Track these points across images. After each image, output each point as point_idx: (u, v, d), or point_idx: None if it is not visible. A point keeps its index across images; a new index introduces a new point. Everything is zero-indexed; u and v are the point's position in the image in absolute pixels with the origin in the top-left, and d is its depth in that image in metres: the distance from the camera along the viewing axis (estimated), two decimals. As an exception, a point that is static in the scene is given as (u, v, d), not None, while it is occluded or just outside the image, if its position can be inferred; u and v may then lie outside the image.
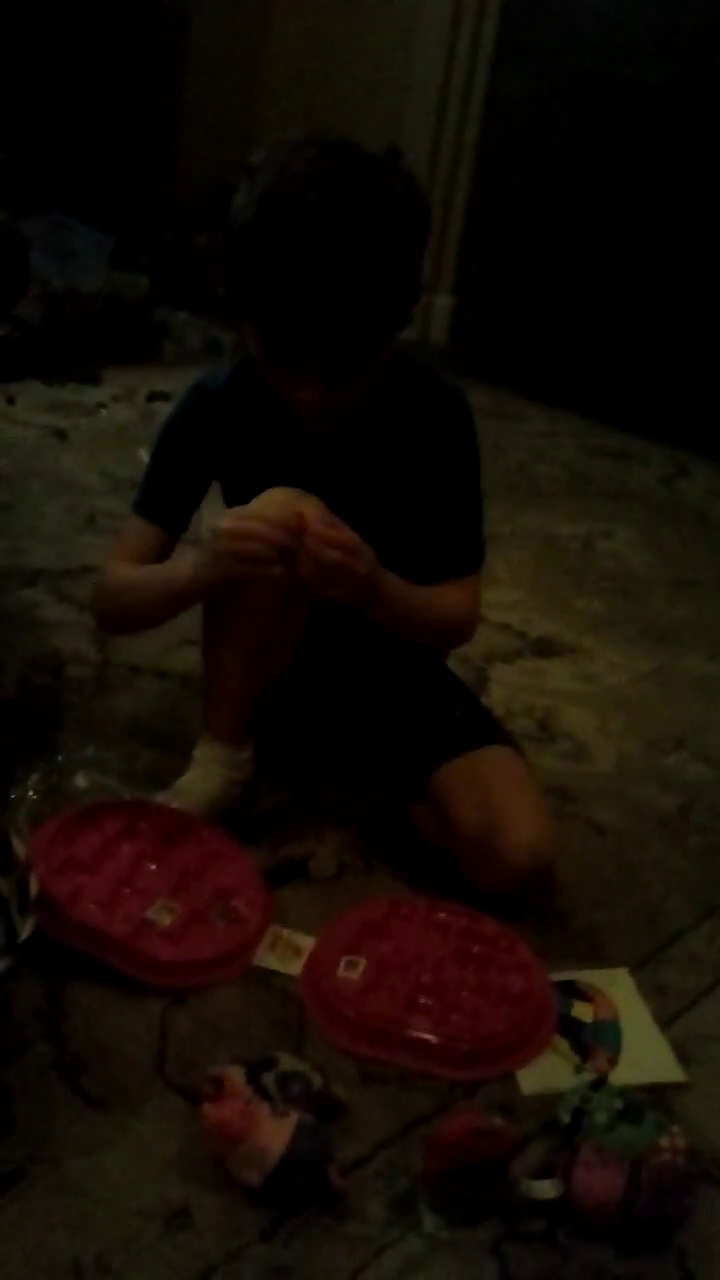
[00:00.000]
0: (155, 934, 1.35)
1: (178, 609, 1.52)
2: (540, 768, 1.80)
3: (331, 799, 1.68)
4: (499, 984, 1.35)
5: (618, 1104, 1.14)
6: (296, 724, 1.70)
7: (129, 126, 4.00)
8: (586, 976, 1.42)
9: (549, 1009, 1.36)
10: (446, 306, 4.08)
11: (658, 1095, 1.25)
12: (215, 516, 1.41)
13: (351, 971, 1.34)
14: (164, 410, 3.03)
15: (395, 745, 1.62)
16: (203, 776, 1.56)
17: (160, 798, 1.56)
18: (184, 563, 1.47)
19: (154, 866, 1.44)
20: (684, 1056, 1.33)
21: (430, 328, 4.07)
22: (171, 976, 1.32)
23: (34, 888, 1.22)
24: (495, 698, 2.02)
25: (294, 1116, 1.10)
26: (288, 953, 1.39)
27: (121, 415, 3.11)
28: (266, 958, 1.38)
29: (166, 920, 1.37)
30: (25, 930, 1.19)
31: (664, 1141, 1.11)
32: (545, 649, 2.25)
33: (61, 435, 2.91)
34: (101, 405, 3.14)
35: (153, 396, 3.20)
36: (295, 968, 1.37)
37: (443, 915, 1.44)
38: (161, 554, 1.54)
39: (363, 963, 1.35)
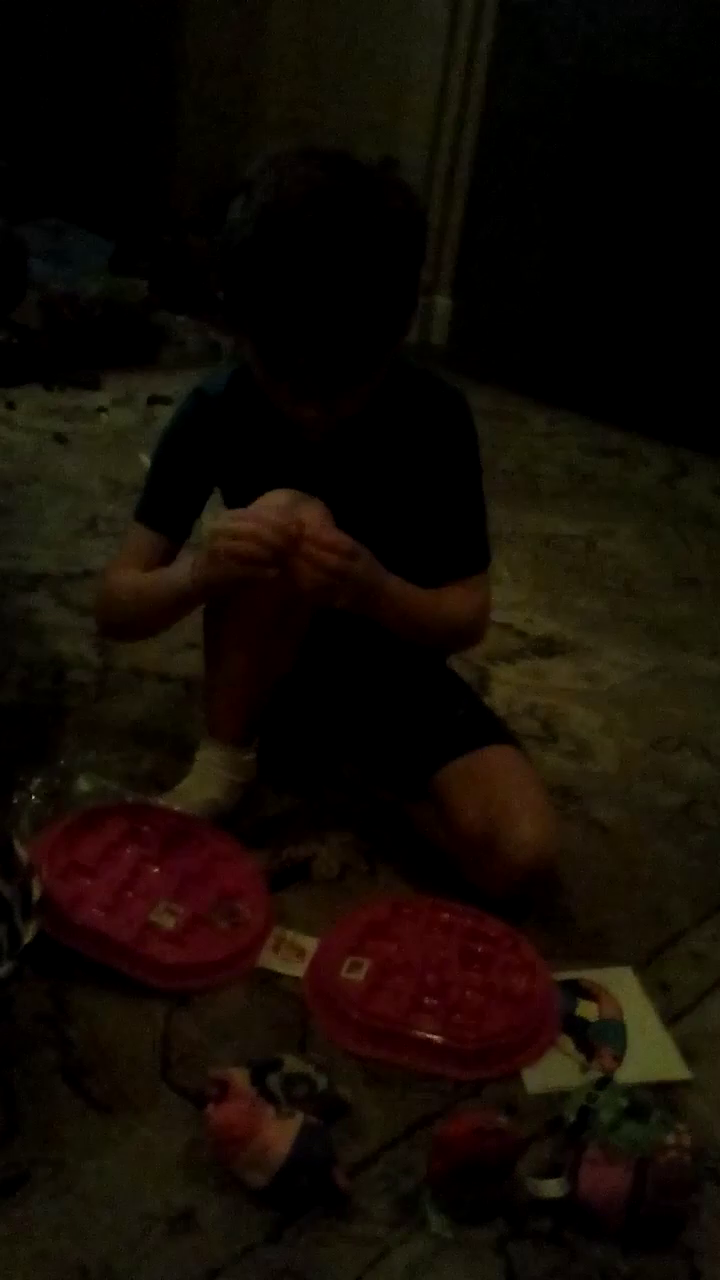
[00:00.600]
0: (158, 937, 1.35)
1: (179, 612, 1.52)
2: (543, 767, 1.80)
3: (334, 800, 1.68)
4: (503, 984, 1.35)
5: (623, 1102, 1.14)
6: (299, 726, 1.70)
7: (127, 132, 4.01)
8: (591, 975, 1.42)
9: (553, 1008, 1.35)
10: (446, 307, 4.08)
11: (663, 1093, 1.25)
12: (214, 518, 1.41)
13: (355, 973, 1.34)
14: (164, 414, 3.05)
15: (398, 746, 1.62)
16: (205, 779, 1.56)
17: (163, 801, 1.56)
18: (183, 565, 1.47)
19: (157, 869, 1.44)
20: (689, 1054, 1.33)
21: (430, 328, 4.07)
22: (175, 979, 1.32)
23: (37, 892, 1.22)
24: (497, 698, 2.02)
25: (299, 1118, 1.10)
26: (291, 954, 1.39)
27: (121, 419, 3.11)
28: (270, 960, 1.38)
29: (170, 923, 1.37)
30: (29, 934, 1.19)
31: (670, 1140, 1.11)
32: (547, 649, 2.25)
33: (62, 440, 2.91)
34: (101, 409, 3.14)
35: (153, 400, 3.20)
36: (299, 969, 1.37)
37: (446, 915, 1.44)
38: (164, 561, 1.54)
39: (366, 964, 1.35)
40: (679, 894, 1.61)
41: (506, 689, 2.07)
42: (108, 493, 2.62)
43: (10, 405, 3.06)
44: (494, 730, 1.62)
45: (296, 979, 1.36)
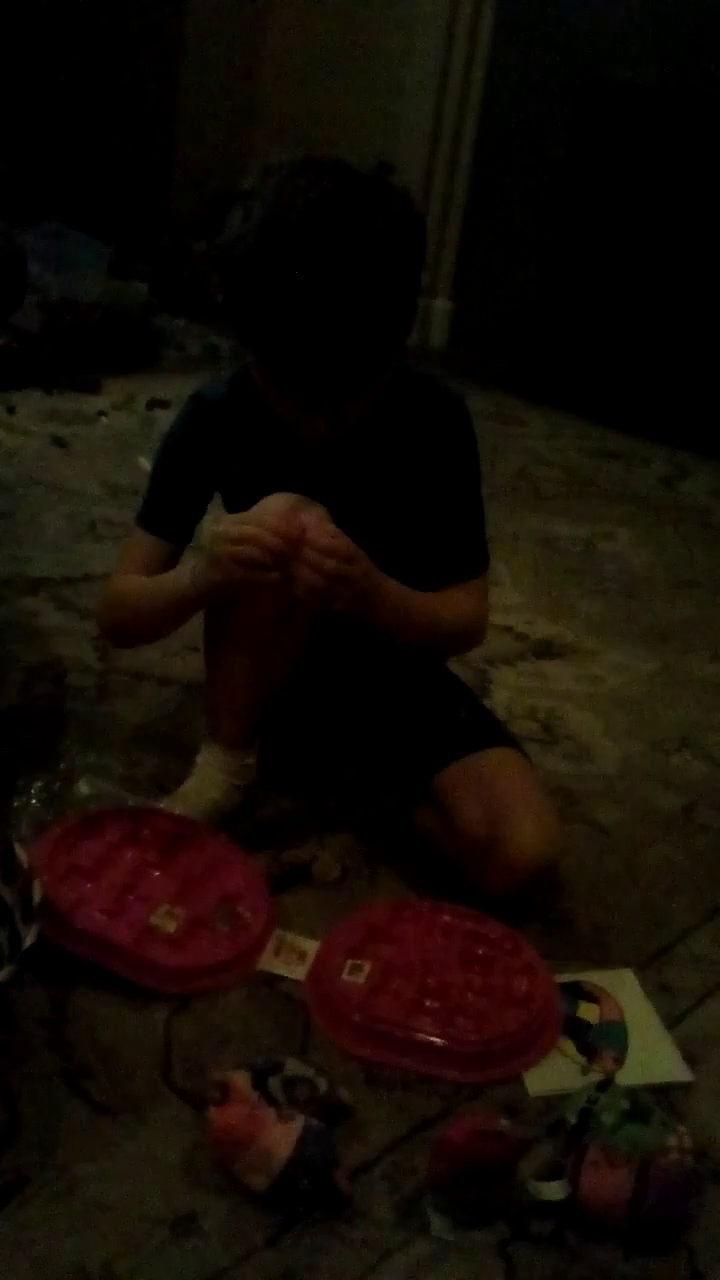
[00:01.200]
0: (159, 940, 1.35)
1: (181, 617, 1.52)
2: (544, 769, 1.80)
3: (334, 803, 1.68)
4: (504, 986, 1.35)
5: (624, 1104, 1.14)
6: (299, 728, 1.70)
7: (126, 135, 4.01)
8: (592, 977, 1.42)
9: (554, 1010, 1.35)
10: (445, 310, 4.09)
11: (664, 1095, 1.25)
12: (216, 522, 1.41)
13: (356, 975, 1.34)
14: (164, 417, 3.05)
15: (399, 748, 1.62)
16: (205, 782, 1.56)
17: (163, 804, 1.56)
18: (184, 569, 1.47)
19: (157, 873, 1.44)
20: (690, 1056, 1.33)
21: (429, 332, 4.08)
22: (176, 982, 1.32)
23: (37, 895, 1.22)
24: (498, 700, 2.02)
25: (300, 1120, 1.10)
26: (292, 957, 1.39)
27: (121, 423, 3.11)
28: (271, 962, 1.38)
29: (170, 926, 1.37)
30: (29, 938, 1.19)
31: (671, 1141, 1.11)
32: (547, 651, 2.25)
33: (61, 443, 2.91)
34: (101, 413, 3.14)
35: (152, 404, 3.20)
36: (299, 972, 1.37)
37: (447, 918, 1.44)
38: (166, 566, 1.54)
39: (367, 966, 1.35)
40: (680, 896, 1.61)
41: (507, 691, 2.07)
42: (107, 496, 2.63)
43: (10, 409, 3.07)
44: (495, 732, 1.62)
45: (297, 982, 1.36)
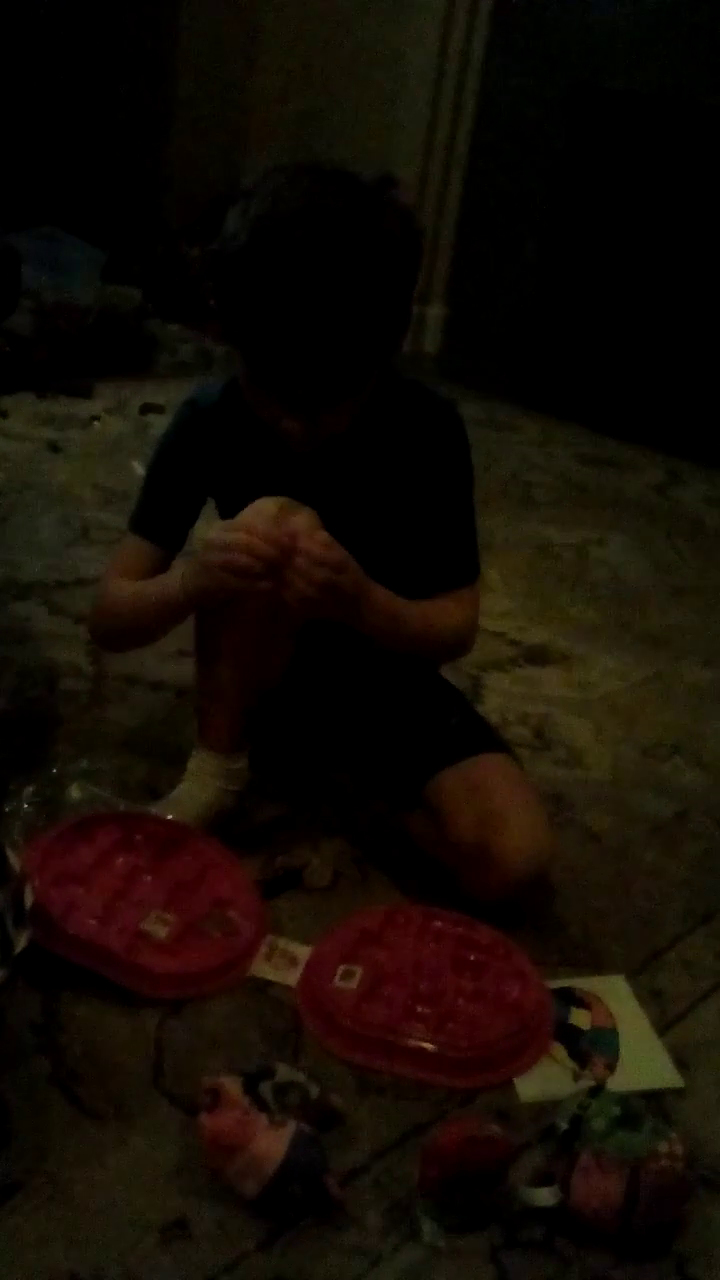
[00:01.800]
0: (151, 946, 1.35)
1: (169, 622, 1.52)
2: (536, 775, 1.80)
3: (326, 809, 1.68)
4: (496, 992, 1.35)
5: (616, 1110, 1.14)
6: (291, 734, 1.70)
7: (120, 140, 4.01)
8: (583, 983, 1.42)
9: (546, 1016, 1.35)
10: (439, 316, 4.10)
11: (656, 1101, 1.25)
12: (208, 528, 1.41)
13: (348, 981, 1.34)
14: (157, 422, 3.06)
15: (391, 754, 1.62)
16: (197, 787, 1.56)
17: (155, 809, 1.55)
18: (174, 574, 1.47)
19: (149, 878, 1.44)
20: (681, 1062, 1.33)
21: (423, 338, 4.08)
22: (167, 988, 1.32)
23: (29, 900, 1.22)
24: (490, 706, 2.02)
25: (291, 1126, 1.10)
26: (284, 963, 1.39)
27: (114, 428, 3.11)
28: (262, 968, 1.38)
29: (162, 932, 1.37)
30: (20, 943, 1.19)
31: (662, 1148, 1.11)
32: (540, 657, 2.25)
33: (54, 448, 2.91)
34: (94, 418, 3.14)
35: (145, 409, 3.20)
36: (291, 978, 1.37)
37: (439, 923, 1.44)
38: (157, 571, 1.54)
39: (359, 972, 1.35)
40: (671, 902, 1.61)
41: (499, 697, 2.07)
42: (100, 501, 2.62)
43: (3, 414, 3.07)
44: (487, 738, 1.62)
45: (289, 987, 1.35)
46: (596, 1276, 1.08)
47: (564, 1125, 1.15)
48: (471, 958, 1.39)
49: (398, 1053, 1.27)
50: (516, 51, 3.76)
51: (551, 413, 3.73)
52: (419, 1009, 1.32)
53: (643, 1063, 1.33)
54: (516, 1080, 1.28)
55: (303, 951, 1.40)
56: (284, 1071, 1.17)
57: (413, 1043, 1.28)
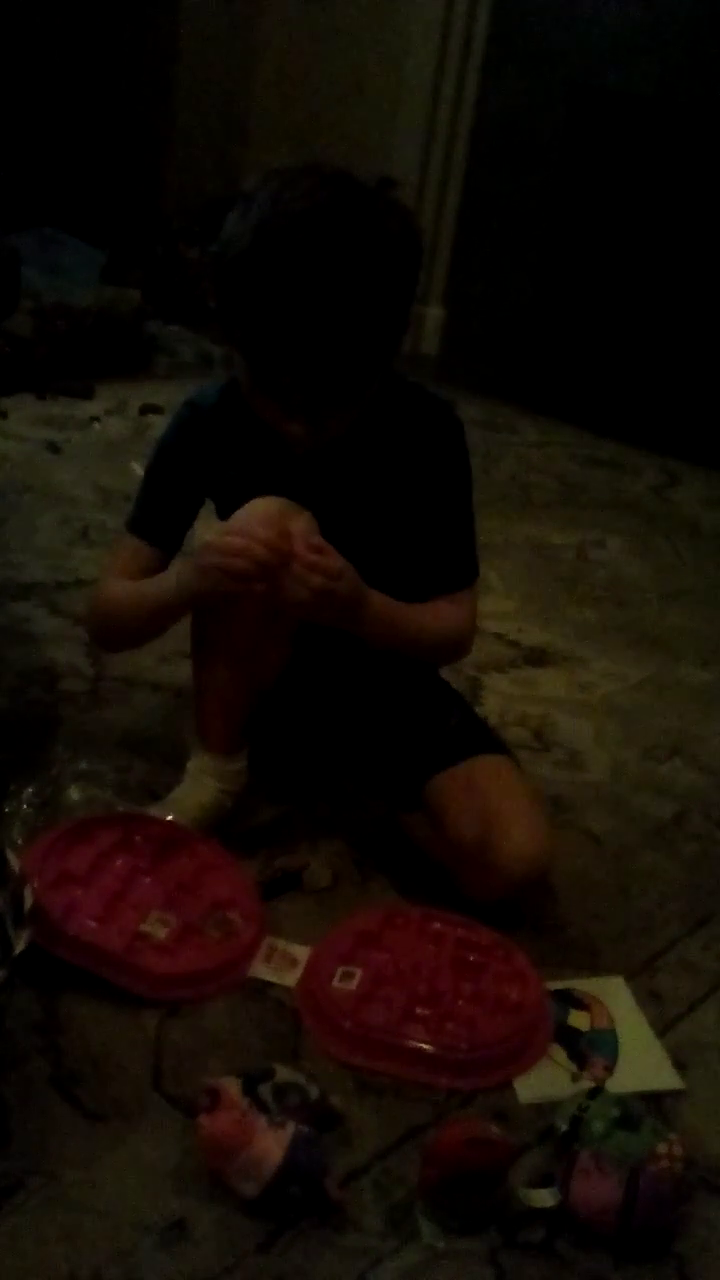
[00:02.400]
0: (150, 947, 1.35)
1: (166, 622, 1.52)
2: (535, 777, 1.81)
3: (325, 810, 1.68)
4: (495, 993, 1.35)
5: (615, 1112, 1.14)
6: (290, 735, 1.70)
7: (120, 141, 4.01)
8: (583, 985, 1.42)
9: (545, 1017, 1.35)
10: (438, 318, 4.09)
11: (655, 1103, 1.25)
12: (206, 529, 1.41)
13: (347, 982, 1.34)
14: (157, 423, 3.06)
15: (390, 755, 1.62)
16: (196, 788, 1.56)
17: (154, 810, 1.55)
18: (169, 575, 1.47)
19: (148, 879, 1.44)
20: (680, 1064, 1.33)
21: (422, 339, 4.08)
22: (167, 989, 1.32)
23: (28, 901, 1.22)
24: (489, 707, 2.03)
25: (290, 1127, 1.10)
26: (283, 964, 1.39)
27: (114, 429, 3.11)
28: (262, 969, 1.38)
29: (161, 933, 1.37)
30: (20, 944, 1.19)
31: (661, 1149, 1.11)
32: (538, 658, 2.25)
33: (54, 449, 2.91)
34: (94, 419, 3.14)
35: (145, 410, 3.20)
36: (290, 979, 1.37)
37: (438, 925, 1.44)
38: (153, 572, 1.54)
39: (358, 973, 1.35)
40: (670, 903, 1.61)
41: (498, 698, 2.07)
42: (100, 502, 2.62)
43: (3, 414, 3.06)
44: (486, 739, 1.62)
45: (288, 989, 1.36)
46: (595, 1278, 1.08)
47: (563, 1126, 1.15)
48: (471, 959, 1.39)
49: (397, 1054, 1.27)
50: (515, 53, 3.75)
51: (550, 414, 3.73)
52: (418, 1010, 1.32)
53: (642, 1064, 1.33)
54: (516, 1081, 1.28)
55: (302, 953, 1.40)
56: (283, 1073, 1.17)
57: (412, 1044, 1.28)
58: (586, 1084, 1.26)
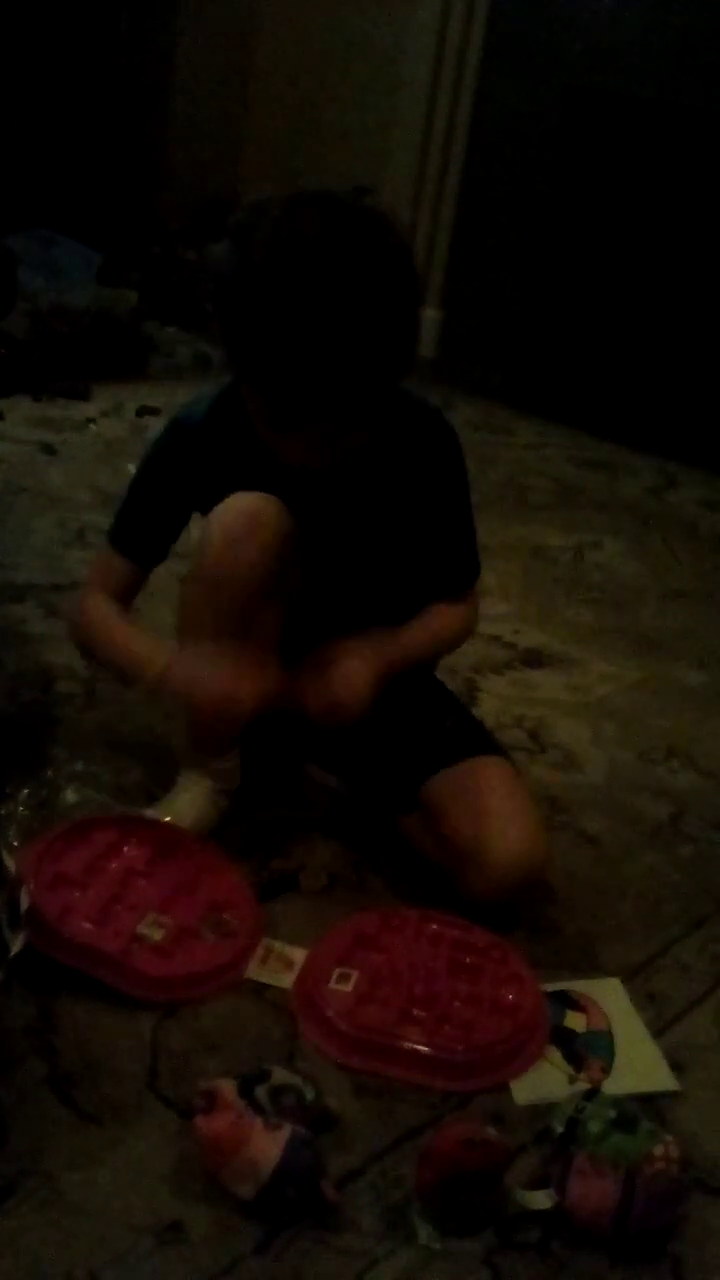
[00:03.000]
0: (146, 949, 1.35)
1: (128, 683, 1.56)
2: (531, 778, 1.81)
3: (321, 811, 1.68)
4: (491, 995, 1.35)
5: (611, 1114, 1.14)
6: (286, 737, 1.70)
7: (116, 142, 4.01)
8: (579, 986, 1.42)
9: (542, 1019, 1.35)
10: (434, 319, 4.09)
11: (651, 1104, 1.25)
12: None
13: (343, 984, 1.34)
14: (154, 425, 3.05)
15: (386, 757, 1.62)
16: (191, 790, 1.56)
17: (150, 812, 1.55)
18: (154, 657, 1.46)
19: (144, 881, 1.44)
20: (677, 1065, 1.33)
21: (419, 341, 4.08)
22: (163, 991, 1.32)
23: (24, 903, 1.22)
24: (485, 709, 2.03)
25: (287, 1129, 1.10)
26: (279, 966, 1.39)
27: (110, 430, 3.11)
28: (258, 971, 1.38)
29: (157, 935, 1.37)
30: (16, 946, 1.19)
31: (657, 1151, 1.11)
32: (535, 660, 2.25)
33: (50, 450, 2.91)
34: (90, 420, 3.14)
35: (142, 411, 3.20)
36: (287, 981, 1.37)
37: (434, 926, 1.44)
38: (130, 588, 1.55)
39: (355, 975, 1.35)
40: (667, 905, 1.61)
41: (494, 700, 2.08)
42: (96, 503, 2.62)
43: (-1, 415, 3.07)
44: (482, 741, 1.62)
45: (285, 990, 1.36)
46: (591, 1279, 1.08)
47: (559, 1128, 1.15)
48: (467, 960, 1.39)
49: (394, 1055, 1.27)
50: (512, 55, 3.76)
51: (547, 416, 3.73)
52: (415, 1012, 1.32)
53: (638, 1066, 1.33)
54: (512, 1083, 1.28)
55: (298, 954, 1.40)
56: (280, 1074, 1.17)
57: (408, 1045, 1.28)
58: (583, 1086, 1.27)
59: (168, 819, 1.54)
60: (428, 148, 3.96)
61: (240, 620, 1.46)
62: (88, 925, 1.34)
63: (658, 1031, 1.38)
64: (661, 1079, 1.31)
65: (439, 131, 3.94)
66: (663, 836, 1.77)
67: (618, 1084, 1.28)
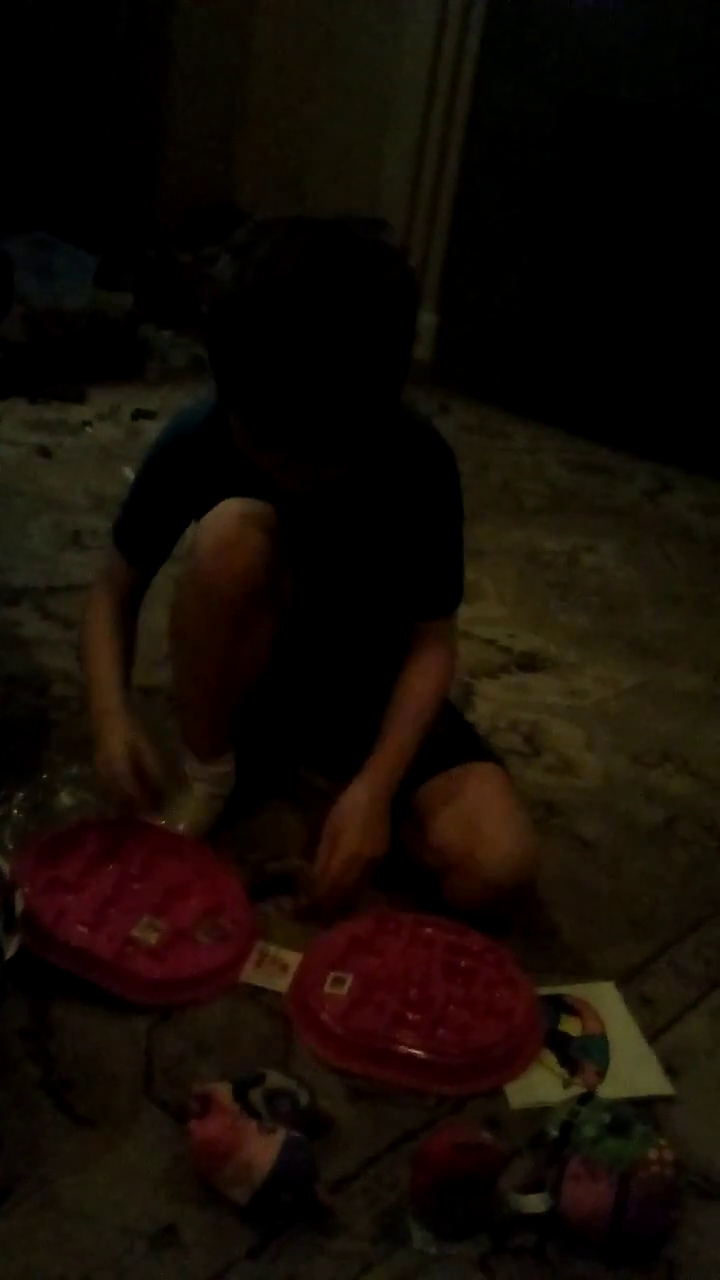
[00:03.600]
0: (141, 952, 1.35)
1: None
2: (526, 782, 1.81)
3: (316, 816, 1.68)
4: (486, 998, 1.35)
5: (605, 1117, 1.14)
6: (279, 742, 1.70)
7: (112, 146, 4.02)
8: (574, 990, 1.42)
9: (536, 1023, 1.35)
10: (430, 324, 4.10)
11: (645, 1108, 1.25)
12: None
13: (338, 987, 1.34)
14: (149, 428, 3.06)
15: None
16: (184, 793, 1.56)
17: (144, 815, 1.55)
18: (96, 733, 1.51)
19: (139, 885, 1.44)
20: (671, 1069, 1.33)
21: (414, 346, 4.08)
22: (158, 994, 1.32)
23: (19, 907, 1.22)
24: (481, 713, 2.03)
25: (281, 1133, 1.10)
26: (274, 969, 1.39)
27: (106, 433, 3.11)
28: (253, 974, 1.38)
29: (152, 938, 1.36)
30: (10, 949, 1.19)
31: (652, 1155, 1.12)
32: (530, 664, 2.26)
33: (46, 453, 2.91)
34: (86, 423, 3.14)
35: (137, 415, 3.20)
36: (282, 984, 1.37)
37: (430, 930, 1.44)
38: (136, 590, 1.57)
39: (349, 978, 1.35)
40: (661, 909, 1.61)
41: (490, 704, 2.08)
42: (92, 506, 2.62)
43: (-6, 419, 3.07)
44: (473, 747, 1.62)
45: (279, 994, 1.35)
46: (586, 1283, 1.09)
47: (554, 1132, 1.15)
48: (462, 964, 1.39)
49: (388, 1059, 1.27)
50: (508, 61, 3.76)
51: (542, 420, 3.74)
52: (410, 1016, 1.32)
53: (633, 1070, 1.33)
54: (507, 1087, 1.28)
55: (293, 958, 1.40)
56: (274, 1078, 1.17)
57: (403, 1049, 1.28)
58: (577, 1089, 1.27)
59: (163, 822, 1.54)
60: (423, 152, 3.97)
61: (232, 628, 1.46)
62: (82, 929, 1.34)
63: (652, 1036, 1.38)
64: (656, 1083, 1.31)
65: (435, 136, 3.95)
66: (658, 840, 1.77)
67: (612, 1088, 1.29)
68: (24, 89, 3.81)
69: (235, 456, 1.42)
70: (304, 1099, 1.16)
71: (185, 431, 1.51)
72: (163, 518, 1.55)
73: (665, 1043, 1.38)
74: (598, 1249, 1.10)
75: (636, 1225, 1.10)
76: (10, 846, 1.47)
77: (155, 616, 1.61)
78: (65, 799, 1.58)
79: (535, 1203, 1.12)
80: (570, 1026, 1.37)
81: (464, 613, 1.63)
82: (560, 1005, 1.40)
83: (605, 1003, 1.41)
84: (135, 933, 1.36)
